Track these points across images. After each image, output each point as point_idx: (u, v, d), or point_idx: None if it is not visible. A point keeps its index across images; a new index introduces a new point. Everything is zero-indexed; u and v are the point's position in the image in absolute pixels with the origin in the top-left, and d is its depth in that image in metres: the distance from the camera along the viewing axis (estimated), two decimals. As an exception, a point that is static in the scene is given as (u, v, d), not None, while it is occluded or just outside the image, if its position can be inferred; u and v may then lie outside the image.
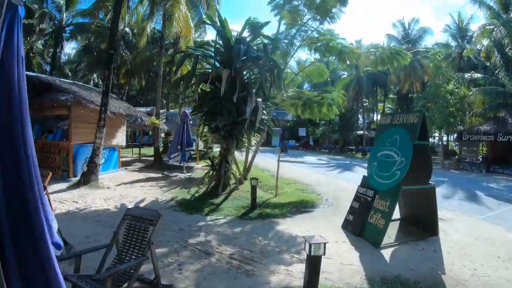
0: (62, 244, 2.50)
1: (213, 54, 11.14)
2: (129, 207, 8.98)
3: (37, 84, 12.77)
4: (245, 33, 11.13)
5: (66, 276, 3.33)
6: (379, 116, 50.24)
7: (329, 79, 32.71)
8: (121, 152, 16.81)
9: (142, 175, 14.88)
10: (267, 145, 43.38)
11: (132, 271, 3.68)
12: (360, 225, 7.07)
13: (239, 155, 13.40)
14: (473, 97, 24.14)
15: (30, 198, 2.03)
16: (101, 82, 28.04)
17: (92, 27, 25.02)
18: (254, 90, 10.94)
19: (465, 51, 31.75)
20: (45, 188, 7.72)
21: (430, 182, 7.33)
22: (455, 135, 31.17)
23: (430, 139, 24.61)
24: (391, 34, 41.33)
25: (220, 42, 11.07)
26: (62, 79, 16.02)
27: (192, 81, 10.93)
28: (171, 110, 29.35)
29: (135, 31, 27.30)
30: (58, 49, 26.29)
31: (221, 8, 22.83)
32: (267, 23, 11.19)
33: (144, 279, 4.21)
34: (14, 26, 2.00)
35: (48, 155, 13.46)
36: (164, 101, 31.62)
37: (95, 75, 33.99)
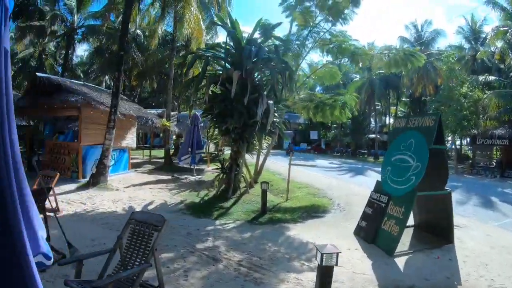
0: (51, 254, 2.29)
1: (223, 56, 10.99)
2: (137, 209, 8.88)
3: (47, 85, 12.79)
4: (256, 35, 10.98)
5: (66, 281, 3.20)
6: (391, 120, 49.84)
7: (341, 81, 32.41)
8: (131, 153, 16.79)
9: (152, 177, 14.80)
10: (278, 148, 43.24)
11: (134, 278, 3.54)
12: (373, 232, 6.82)
13: (250, 158, 13.24)
14: (488, 100, 23.70)
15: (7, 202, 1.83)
16: (112, 84, 28.16)
17: (103, 29, 25.10)
18: (265, 92, 10.76)
19: (478, 53, 31.24)
20: (52, 189, 7.66)
21: (446, 188, 7.08)
22: (468, 139, 30.70)
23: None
24: (403, 36, 40.85)
25: (231, 43, 10.93)
26: (73, 80, 16.03)
27: (203, 83, 10.81)
28: (182, 112, 29.38)
29: (146, 33, 27.36)
30: (70, 51, 26.39)
31: (232, 10, 22.75)
32: (278, 24, 11.05)
33: (148, 286, 4.05)
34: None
35: (58, 156, 13.50)
36: (176, 103, 31.66)
37: (107, 77, 34.12)
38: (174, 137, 29.47)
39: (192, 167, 16.03)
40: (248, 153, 12.28)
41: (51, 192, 7.69)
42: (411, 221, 7.63)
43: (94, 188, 11.23)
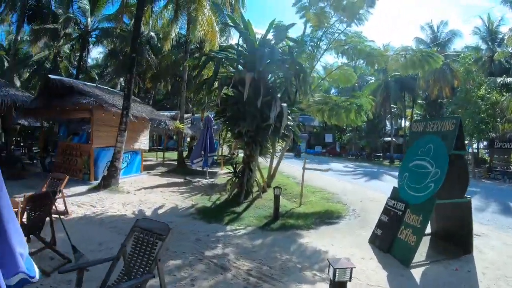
0: (34, 272, 2.08)
1: (236, 57, 10.80)
2: (147, 213, 8.81)
3: (59, 87, 12.84)
4: (270, 36, 10.75)
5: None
6: (407, 123, 49.20)
7: (356, 84, 32.05)
8: (145, 155, 16.74)
9: (164, 180, 14.70)
10: (293, 151, 43.04)
11: (137, 288, 3.37)
12: (389, 241, 6.51)
13: (263, 161, 13.04)
14: (506, 103, 23.20)
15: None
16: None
17: (116, 32, 25.22)
18: (279, 95, 10.56)
19: (496, 54, 30.59)
20: (60, 191, 7.62)
21: (465, 196, 6.74)
22: (485, 142, 30.05)
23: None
24: (419, 38, 40.21)
25: (244, 45, 10.73)
26: (85, 82, 16.07)
27: (215, 85, 10.64)
28: (196, 115, 29.33)
29: (160, 35, 27.39)
30: (84, 53, 26.58)
31: (246, 12, 22.65)
32: (292, 25, 10.76)
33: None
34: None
35: (70, 157, 13.55)
36: (190, 106, 31.66)
37: (121, 79, 34.30)
38: (188, 139, 29.48)
39: (205, 170, 15.89)
40: (262, 156, 12.04)
41: (59, 195, 7.66)
42: (428, 228, 7.32)
43: (105, 191, 11.16)
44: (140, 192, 11.59)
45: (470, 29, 63.97)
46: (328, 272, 3.77)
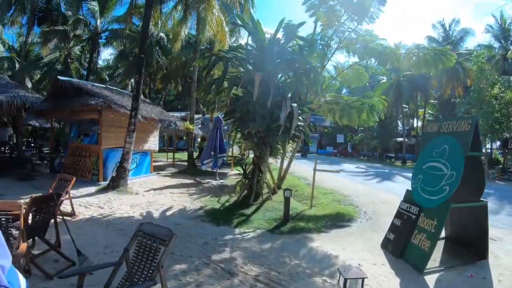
0: (19, 285, 1.91)
1: (245, 57, 10.63)
2: (155, 215, 8.71)
3: (69, 88, 12.85)
4: (279, 35, 10.60)
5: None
6: (419, 123, 48.66)
7: (368, 84, 31.71)
8: (155, 156, 16.69)
9: (173, 181, 14.63)
10: (300, 151, 42.78)
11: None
12: (402, 246, 6.27)
13: (274, 162, 12.87)
14: (521, 102, 22.72)
15: None
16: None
17: (126, 33, 25.28)
18: (289, 95, 10.36)
19: (509, 52, 30.10)
20: (67, 192, 7.56)
21: (481, 199, 6.47)
22: (498, 142, 29.53)
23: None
24: (431, 36, 39.68)
25: (253, 44, 10.57)
26: (94, 83, 16.08)
27: (224, 85, 10.50)
28: (207, 115, 29.28)
29: (170, 36, 27.38)
30: (94, 55, 26.68)
31: (255, 12, 22.52)
32: (302, 23, 10.59)
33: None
34: None
35: (79, 158, 13.60)
36: (201, 106, 31.62)
37: (132, 80, 34.40)
38: (199, 140, 29.45)
39: (214, 170, 15.77)
40: (272, 157, 11.84)
41: (66, 196, 7.62)
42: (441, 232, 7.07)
43: (114, 192, 11.11)
44: (149, 193, 11.51)
45: (482, 27, 63.16)
46: (339, 281, 3.58)
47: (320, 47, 12.72)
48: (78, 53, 31.28)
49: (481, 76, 25.03)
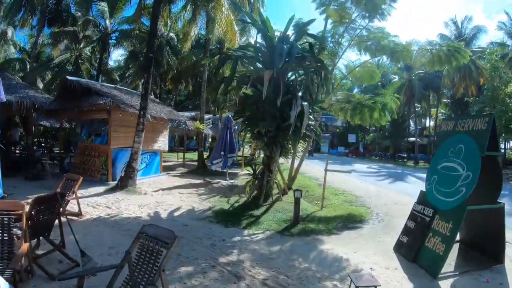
0: None
1: (254, 55, 10.46)
2: (162, 215, 8.59)
3: (77, 88, 12.85)
4: (289, 33, 10.40)
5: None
6: (432, 122, 48.07)
7: (379, 83, 31.36)
8: (166, 156, 16.62)
9: (183, 181, 14.55)
10: (316, 151, 42.49)
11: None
12: (416, 249, 6.04)
13: (285, 162, 12.68)
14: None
15: None
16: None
17: (135, 33, 25.30)
18: (299, 93, 10.19)
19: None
20: (74, 192, 7.50)
21: (498, 201, 6.18)
22: (512, 142, 29.08)
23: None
24: (443, 34, 38.91)
25: (263, 42, 10.40)
26: (103, 83, 16.08)
27: (233, 84, 10.34)
28: (217, 115, 29.19)
29: (180, 36, 27.35)
30: (104, 55, 26.73)
31: (265, 11, 22.36)
32: (312, 20, 10.38)
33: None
34: None
35: (88, 158, 13.61)
36: (211, 106, 31.54)
37: (143, 80, 34.53)
38: (209, 140, 29.36)
39: (224, 171, 15.63)
40: (282, 157, 11.65)
41: (73, 196, 7.56)
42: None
43: (122, 192, 11.05)
44: (158, 193, 11.42)
45: (494, 25, 62.21)
46: (350, 288, 3.39)
47: (331, 44, 12.52)
48: (89, 54, 31.42)
49: (494, 74, 24.59)
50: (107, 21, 25.06)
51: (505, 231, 6.18)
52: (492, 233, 6.29)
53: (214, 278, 4.91)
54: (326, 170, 10.60)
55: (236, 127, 18.12)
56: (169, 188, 12.49)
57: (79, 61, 29.51)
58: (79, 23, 23.47)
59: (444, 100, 45.67)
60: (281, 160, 11.70)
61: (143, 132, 11.92)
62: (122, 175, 11.91)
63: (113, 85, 17.04)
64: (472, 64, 31.93)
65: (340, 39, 12.46)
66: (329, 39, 12.51)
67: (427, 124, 52.98)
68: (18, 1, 21.07)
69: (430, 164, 7.13)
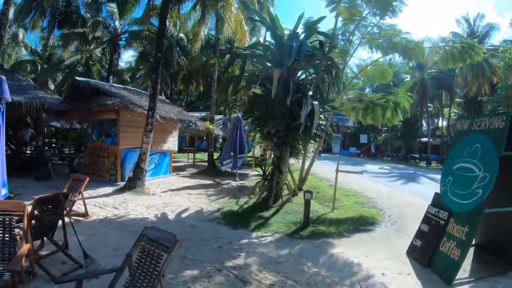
0: None
1: (263, 53, 10.28)
2: (170, 217, 8.48)
3: (86, 89, 12.87)
4: (299, 31, 10.23)
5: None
6: (444, 122, 47.49)
7: (391, 82, 31.00)
8: (177, 157, 16.55)
9: (192, 182, 14.45)
10: (327, 152, 42.20)
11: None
12: (429, 254, 5.81)
13: (296, 163, 12.50)
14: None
15: None
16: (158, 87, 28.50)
17: (144, 34, 25.41)
18: (310, 92, 10.00)
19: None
20: (80, 193, 7.46)
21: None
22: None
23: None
24: (455, 32, 38.34)
25: (272, 41, 10.23)
26: (112, 84, 16.11)
27: (242, 83, 10.19)
28: (227, 115, 29.15)
29: (190, 37, 27.37)
30: (115, 56, 26.86)
31: (275, 10, 22.23)
32: (322, 18, 10.16)
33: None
34: None
35: (98, 158, 13.65)
36: (221, 106, 31.56)
37: (152, 80, 34.68)
38: (220, 140, 29.31)
39: (234, 171, 15.49)
40: (293, 158, 11.46)
41: (79, 196, 7.51)
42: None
43: (130, 192, 10.98)
44: (166, 194, 11.32)
45: (506, 22, 61.25)
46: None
47: (342, 42, 12.31)
48: (99, 55, 31.64)
49: (508, 73, 24.07)
50: (117, 22, 25.15)
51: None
52: (509, 237, 6.05)
53: (219, 283, 4.76)
54: (337, 171, 10.40)
55: (246, 127, 18.00)
56: (178, 189, 12.39)
57: (90, 62, 29.76)
58: (88, 25, 23.68)
59: (457, 100, 45.08)
60: (292, 160, 11.50)
61: (151, 133, 11.84)
62: (130, 176, 11.84)
63: (122, 86, 17.04)
64: (485, 63, 31.45)
65: (351, 37, 12.24)
66: (340, 37, 12.30)
67: (440, 124, 52.43)
68: (28, 3, 21.24)
69: (444, 165, 6.86)
